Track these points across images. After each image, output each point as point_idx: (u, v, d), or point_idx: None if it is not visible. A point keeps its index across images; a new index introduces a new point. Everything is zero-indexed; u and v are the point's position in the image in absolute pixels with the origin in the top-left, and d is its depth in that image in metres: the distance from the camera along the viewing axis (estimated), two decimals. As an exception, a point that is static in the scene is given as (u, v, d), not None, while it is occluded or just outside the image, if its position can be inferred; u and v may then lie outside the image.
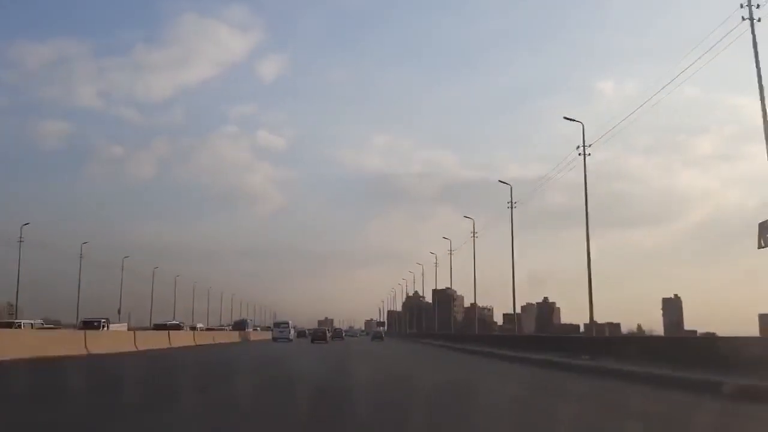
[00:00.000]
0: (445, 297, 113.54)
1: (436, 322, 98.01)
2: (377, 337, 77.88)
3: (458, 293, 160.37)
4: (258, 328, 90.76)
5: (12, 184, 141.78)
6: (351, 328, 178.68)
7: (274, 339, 58.12)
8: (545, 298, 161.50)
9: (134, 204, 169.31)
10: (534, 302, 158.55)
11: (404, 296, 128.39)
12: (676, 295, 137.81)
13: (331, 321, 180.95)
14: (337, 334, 78.01)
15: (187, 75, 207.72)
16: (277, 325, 63.94)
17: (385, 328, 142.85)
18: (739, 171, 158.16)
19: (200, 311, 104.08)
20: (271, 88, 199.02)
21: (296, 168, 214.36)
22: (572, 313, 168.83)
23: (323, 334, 57.59)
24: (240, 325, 76.58)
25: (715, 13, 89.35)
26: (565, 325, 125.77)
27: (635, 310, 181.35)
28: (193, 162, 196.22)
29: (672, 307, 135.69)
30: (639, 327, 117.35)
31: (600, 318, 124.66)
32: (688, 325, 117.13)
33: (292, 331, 61.88)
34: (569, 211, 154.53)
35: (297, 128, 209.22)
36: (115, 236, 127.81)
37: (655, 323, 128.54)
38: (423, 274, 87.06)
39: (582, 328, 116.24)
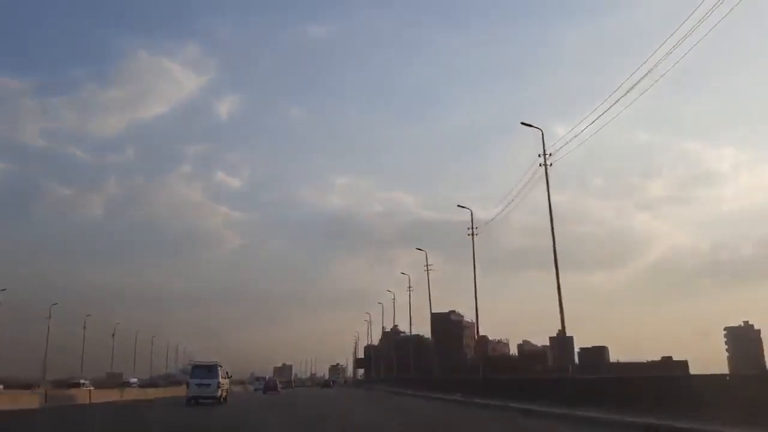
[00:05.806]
0: (448, 325, 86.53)
1: (411, 360, 73.16)
2: (326, 385, 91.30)
3: (467, 319, 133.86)
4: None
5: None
6: (313, 375, 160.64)
7: (255, 389, 70.21)
8: (560, 331, 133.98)
9: (80, 247, 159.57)
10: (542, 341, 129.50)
11: (381, 333, 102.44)
12: (746, 323, 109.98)
13: (290, 367, 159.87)
14: (287, 384, 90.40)
15: (139, 113, 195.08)
16: (257, 378, 79.21)
17: (362, 372, 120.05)
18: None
19: (145, 361, 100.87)
20: (226, 128, 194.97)
21: (254, 209, 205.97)
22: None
23: (275, 384, 66.33)
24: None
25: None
26: (624, 363, 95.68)
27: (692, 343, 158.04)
28: (146, 203, 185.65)
29: (742, 338, 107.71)
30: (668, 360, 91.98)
31: (647, 354, 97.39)
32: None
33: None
34: (531, 252, 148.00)
35: (254, 168, 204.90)
36: (53, 282, 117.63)
37: (717, 358, 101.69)
38: (394, 301, 78.70)
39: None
